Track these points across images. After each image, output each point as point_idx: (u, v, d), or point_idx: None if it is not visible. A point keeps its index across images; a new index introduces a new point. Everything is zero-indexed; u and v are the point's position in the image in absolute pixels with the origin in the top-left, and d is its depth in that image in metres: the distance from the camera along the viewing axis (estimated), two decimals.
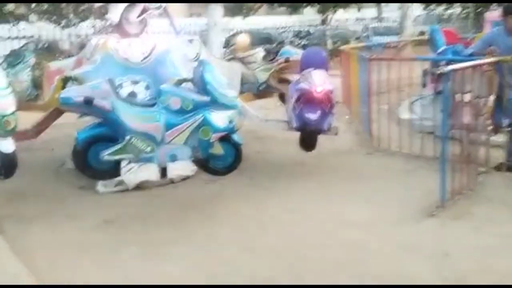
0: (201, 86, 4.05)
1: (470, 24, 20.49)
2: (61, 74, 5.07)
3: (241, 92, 6.95)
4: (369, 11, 29.84)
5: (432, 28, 9.67)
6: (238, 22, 20.79)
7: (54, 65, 5.63)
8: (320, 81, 4.71)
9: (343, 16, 26.31)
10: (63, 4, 12.74)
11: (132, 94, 4.99)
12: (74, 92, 3.66)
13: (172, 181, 5.15)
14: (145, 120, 3.82)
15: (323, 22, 21.17)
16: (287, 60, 6.53)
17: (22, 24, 13.73)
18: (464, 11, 24.99)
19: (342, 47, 9.91)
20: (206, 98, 3.99)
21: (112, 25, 5.56)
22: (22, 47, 16.67)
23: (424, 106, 7.05)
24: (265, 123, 5.66)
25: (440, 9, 25.35)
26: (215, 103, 4.01)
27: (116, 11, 5.24)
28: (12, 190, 4.76)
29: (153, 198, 4.78)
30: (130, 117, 3.77)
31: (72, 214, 4.37)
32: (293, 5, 23.25)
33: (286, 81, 6.77)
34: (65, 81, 4.87)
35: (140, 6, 5.35)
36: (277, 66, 6.66)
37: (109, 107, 3.69)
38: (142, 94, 4.99)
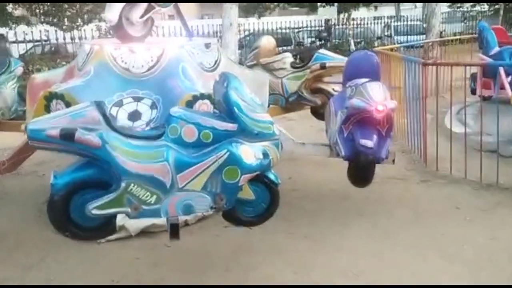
0: (225, 108, 2.95)
1: (501, 21, 19.17)
2: (47, 88, 4.00)
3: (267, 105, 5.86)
4: (386, 9, 28.65)
5: (481, 25, 8.49)
6: (253, 22, 19.66)
7: (40, 76, 4.56)
8: (380, 97, 3.57)
9: (360, 15, 25.09)
10: (65, 5, 11.75)
11: (135, 114, 3.91)
12: (46, 123, 2.57)
13: (186, 223, 4.06)
14: (148, 159, 2.71)
15: (326, 22, 19.88)
16: (323, 67, 5.40)
17: (23, 27, 12.76)
18: (491, 9, 23.66)
19: (377, 48, 8.72)
20: (232, 126, 2.88)
21: (110, 27, 4.46)
22: (27, 51, 15.79)
23: (475, 116, 5.90)
24: (301, 147, 4.54)
25: (466, 6, 24.02)
26: (245, 132, 2.89)
27: (114, 9, 4.15)
28: None
29: (161, 251, 3.70)
30: (126, 155, 2.67)
31: (61, 274, 3.33)
32: (312, 5, 22.09)
33: (322, 92, 5.66)
34: (49, 98, 3.80)
35: (144, 3, 4.25)
36: (310, 73, 5.54)
37: (98, 142, 2.59)
38: (147, 115, 3.90)
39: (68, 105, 3.67)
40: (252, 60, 6.03)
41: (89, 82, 3.89)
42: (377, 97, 3.57)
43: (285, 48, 15.49)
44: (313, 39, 19.62)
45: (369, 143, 3.63)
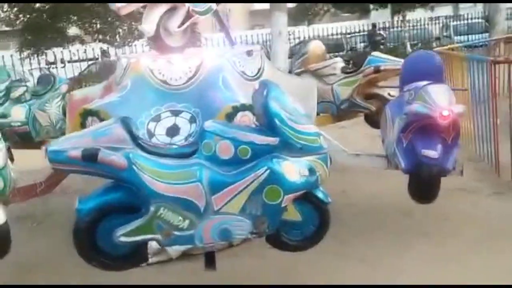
0: (265, 120, 2.63)
1: None
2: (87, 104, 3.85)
3: (316, 114, 5.49)
4: (443, 9, 27.38)
5: None
6: (303, 30, 19.31)
7: (79, 93, 4.43)
8: (445, 101, 3.13)
9: (416, 16, 24.11)
10: (117, 22, 11.95)
11: (174, 129, 3.67)
12: (68, 144, 2.35)
13: (231, 244, 3.75)
14: (179, 180, 2.43)
15: (373, 26, 19.08)
16: (377, 70, 4.98)
17: (77, 46, 13.10)
18: None
19: (436, 49, 8.11)
20: (273, 140, 2.55)
21: (148, 39, 4.28)
22: (83, 70, 16.25)
23: None
24: (355, 159, 4.13)
25: None
26: (288, 146, 2.56)
27: (150, 19, 3.95)
28: (19, 259, 3.59)
29: (203, 276, 3.39)
30: (155, 176, 2.40)
31: None
32: (363, 9, 21.43)
33: (377, 97, 5.23)
34: (84, 116, 3.64)
35: (182, 10, 4.02)
36: (363, 78, 5.13)
37: (124, 163, 2.35)
38: (186, 129, 3.64)
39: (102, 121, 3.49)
40: (300, 67, 5.71)
41: (125, 97, 3.69)
42: (441, 101, 3.13)
43: (337, 54, 15.04)
44: (366, 43, 18.98)
45: (433, 153, 3.18)
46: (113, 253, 2.57)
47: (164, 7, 3.97)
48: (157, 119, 3.70)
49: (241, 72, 3.98)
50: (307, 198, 2.77)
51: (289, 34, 16.36)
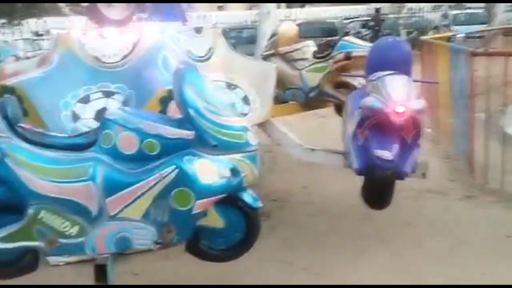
0: (181, 109, 2.21)
1: None
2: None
3: (283, 101, 5.07)
4: None
5: None
6: (298, 12, 18.74)
7: (10, 67, 3.97)
8: (401, 95, 2.71)
9: (417, 5, 23.45)
10: None
11: (104, 113, 3.23)
12: None
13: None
14: (66, 177, 2.03)
15: (377, 10, 18.40)
16: (348, 57, 4.54)
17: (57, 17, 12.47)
18: None
19: (423, 37, 7.67)
20: (187, 133, 2.14)
21: (84, 8, 3.82)
22: None
23: None
24: (310, 154, 3.73)
25: None
26: (204, 142, 2.14)
27: None
28: None
29: (127, 280, 3.01)
30: (36, 172, 1.99)
31: None
32: None
33: (347, 87, 4.79)
34: (2, 92, 3.19)
35: None
36: (333, 64, 4.69)
37: None
38: None
39: (19, 101, 3.06)
40: (269, 49, 5.27)
41: (49, 73, 3.26)
42: (397, 95, 2.71)
43: (330, 39, 14.54)
44: (361, 29, 18.41)
45: (387, 154, 2.77)
46: None
47: None
48: (85, 100, 3.27)
49: (187, 51, 3.54)
50: (232, 202, 2.37)
51: (286, 17, 15.80)
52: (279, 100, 4.71)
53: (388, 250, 3.33)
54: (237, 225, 2.44)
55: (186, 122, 2.20)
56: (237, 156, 2.25)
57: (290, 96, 5.01)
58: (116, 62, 3.36)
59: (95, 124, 3.19)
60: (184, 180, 2.11)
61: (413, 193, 4.19)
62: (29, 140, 2.07)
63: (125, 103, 3.29)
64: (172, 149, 2.16)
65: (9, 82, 3.20)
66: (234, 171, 2.24)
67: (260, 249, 2.70)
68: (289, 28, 5.27)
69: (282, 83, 4.65)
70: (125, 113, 2.22)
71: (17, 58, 5.23)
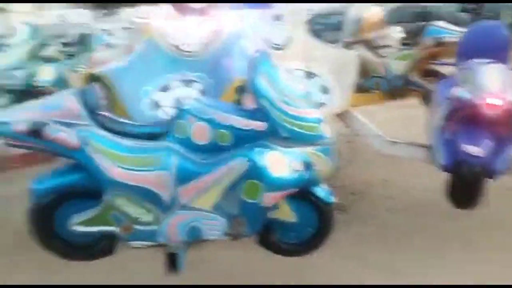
0: (254, 99, 2.17)
1: None
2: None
3: (365, 90, 4.87)
4: None
5: None
6: None
7: (100, 55, 4.17)
8: (495, 87, 2.46)
9: None
10: None
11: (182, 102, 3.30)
12: (15, 115, 2.07)
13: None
14: (141, 165, 2.07)
15: None
16: (438, 43, 4.24)
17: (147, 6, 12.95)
18: None
19: None
20: (259, 125, 2.10)
21: None
22: None
23: None
24: (391, 146, 3.54)
25: None
26: (276, 134, 2.09)
27: None
28: None
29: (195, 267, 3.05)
30: (113, 160, 2.06)
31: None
32: None
33: (435, 75, 4.51)
34: (88, 80, 3.35)
35: None
36: (422, 51, 4.42)
37: (75, 143, 2.02)
38: None
39: (105, 89, 3.20)
40: (352, 36, 5.06)
41: (133, 63, 3.36)
42: (491, 85, 2.46)
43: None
44: (459, 13, 17.18)
45: (476, 149, 2.54)
46: (72, 240, 2.29)
47: None
48: (165, 88, 3.34)
49: (265, 40, 3.49)
50: (305, 196, 2.30)
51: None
52: (361, 89, 4.53)
53: (474, 255, 3.08)
54: (309, 220, 2.37)
55: (258, 113, 2.16)
56: (310, 149, 2.17)
57: (373, 85, 4.80)
58: (195, 50, 3.39)
59: (173, 112, 3.27)
60: (254, 172, 2.07)
61: (507, 193, 3.85)
62: (107, 128, 2.14)
63: (203, 91, 3.32)
64: (244, 140, 2.13)
65: (96, 70, 3.35)
66: (307, 165, 2.17)
67: (334, 244, 2.61)
68: (374, 13, 5.03)
69: (364, 71, 4.47)
70: (199, 103, 2.22)
71: (107, 47, 5.50)
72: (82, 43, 5.12)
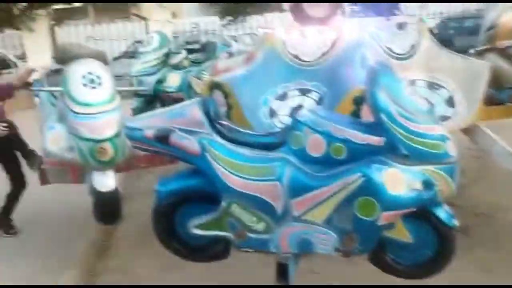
0: (373, 113, 2.10)
1: None
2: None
3: (498, 103, 4.47)
4: None
5: None
6: None
7: (222, 63, 4.35)
8: None
9: None
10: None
11: (299, 110, 3.31)
12: (145, 122, 2.23)
13: None
14: (256, 175, 2.11)
15: None
16: None
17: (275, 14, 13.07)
18: None
19: None
20: (376, 140, 2.02)
21: (288, 9, 3.92)
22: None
23: None
24: None
25: None
26: (395, 151, 2.00)
27: None
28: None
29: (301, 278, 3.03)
30: (230, 168, 2.12)
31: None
32: None
33: None
34: (211, 88, 3.52)
35: None
36: None
37: (197, 149, 2.13)
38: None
39: (226, 96, 3.34)
40: (486, 43, 4.67)
41: (252, 71, 3.45)
42: None
43: None
44: None
45: None
46: (191, 242, 2.41)
47: None
48: (283, 97, 3.38)
49: (387, 49, 3.37)
50: (423, 217, 2.17)
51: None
52: (492, 101, 4.17)
53: None
54: (427, 242, 2.23)
55: (376, 127, 2.08)
56: (432, 167, 2.04)
57: (506, 97, 4.38)
58: (314, 60, 3.38)
59: (290, 121, 3.29)
60: (370, 189, 2.00)
61: None
62: (225, 137, 2.22)
63: (320, 101, 3.30)
64: (360, 155, 2.07)
65: (218, 78, 3.50)
66: (427, 184, 2.04)
67: (452, 271, 2.42)
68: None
69: (498, 82, 4.09)
70: (314, 115, 2.20)
71: (230, 55, 5.73)
72: (207, 51, 5.39)
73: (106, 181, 2.89)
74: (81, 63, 2.88)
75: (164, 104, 5.16)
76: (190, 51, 6.02)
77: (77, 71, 2.81)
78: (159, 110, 2.51)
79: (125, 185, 4.40)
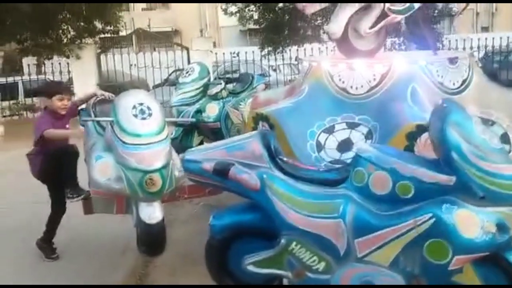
0: (441, 151, 2.01)
1: None
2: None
3: None
4: None
5: None
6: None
7: (263, 95, 4.33)
8: None
9: None
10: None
11: (346, 144, 3.25)
12: (203, 154, 2.17)
13: None
14: (318, 212, 2.02)
15: None
16: None
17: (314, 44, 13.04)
18: None
19: None
20: (446, 179, 1.93)
21: (335, 42, 3.91)
22: None
23: None
24: None
25: None
26: (468, 191, 1.90)
27: (339, 19, 3.57)
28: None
29: None
30: (291, 204, 2.04)
31: None
32: None
33: None
34: (256, 120, 3.49)
35: (377, 9, 3.53)
36: None
37: (256, 184, 2.06)
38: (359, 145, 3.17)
39: (271, 128, 3.30)
40: None
41: (298, 103, 3.42)
42: None
43: None
44: None
45: None
46: (244, 278, 2.32)
47: (356, 6, 3.54)
48: (330, 130, 3.32)
49: (439, 84, 3.29)
50: (494, 261, 2.05)
51: None
52: None
53: None
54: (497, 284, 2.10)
55: (445, 165, 1.99)
56: (507, 209, 1.93)
57: None
58: (362, 93, 3.34)
59: (336, 154, 3.22)
60: (441, 231, 1.90)
61: None
62: (285, 172, 2.15)
63: (368, 135, 3.23)
64: (427, 194, 1.98)
65: (264, 110, 3.47)
66: (501, 227, 1.93)
67: None
68: None
69: None
70: (377, 151, 2.13)
71: (266, 86, 5.73)
72: (244, 81, 5.38)
73: (154, 212, 2.84)
74: (131, 93, 2.88)
75: (201, 134, 5.15)
76: (228, 81, 6.03)
77: (128, 102, 2.80)
78: (217, 143, 2.46)
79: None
